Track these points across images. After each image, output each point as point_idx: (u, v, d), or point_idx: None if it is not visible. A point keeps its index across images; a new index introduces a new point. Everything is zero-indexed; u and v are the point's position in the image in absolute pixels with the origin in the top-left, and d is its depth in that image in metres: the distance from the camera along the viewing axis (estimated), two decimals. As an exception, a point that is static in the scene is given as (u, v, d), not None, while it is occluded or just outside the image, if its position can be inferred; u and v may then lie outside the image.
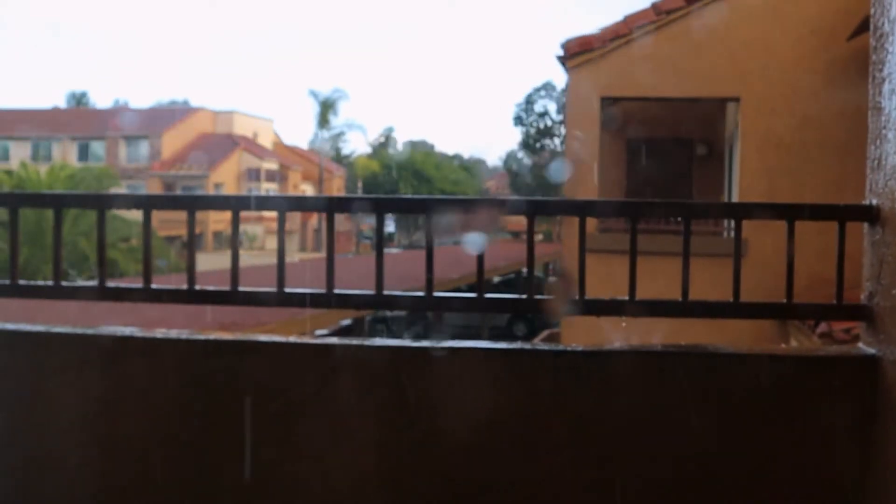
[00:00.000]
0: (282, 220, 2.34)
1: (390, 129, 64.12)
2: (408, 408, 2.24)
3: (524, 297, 2.33)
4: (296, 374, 2.27)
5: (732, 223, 2.44)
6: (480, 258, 2.34)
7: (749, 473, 2.19)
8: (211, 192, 46.02)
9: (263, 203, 2.36)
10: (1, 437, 2.33)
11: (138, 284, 2.39)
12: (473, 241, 2.33)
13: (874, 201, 2.20)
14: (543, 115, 46.78)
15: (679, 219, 2.36)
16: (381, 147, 59.57)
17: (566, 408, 2.22)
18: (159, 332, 2.32)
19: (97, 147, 48.83)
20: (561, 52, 9.84)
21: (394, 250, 34.61)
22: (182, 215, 2.38)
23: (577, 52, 9.68)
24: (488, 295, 2.33)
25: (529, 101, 46.93)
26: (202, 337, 2.30)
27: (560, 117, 45.15)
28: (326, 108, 51.14)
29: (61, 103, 61.53)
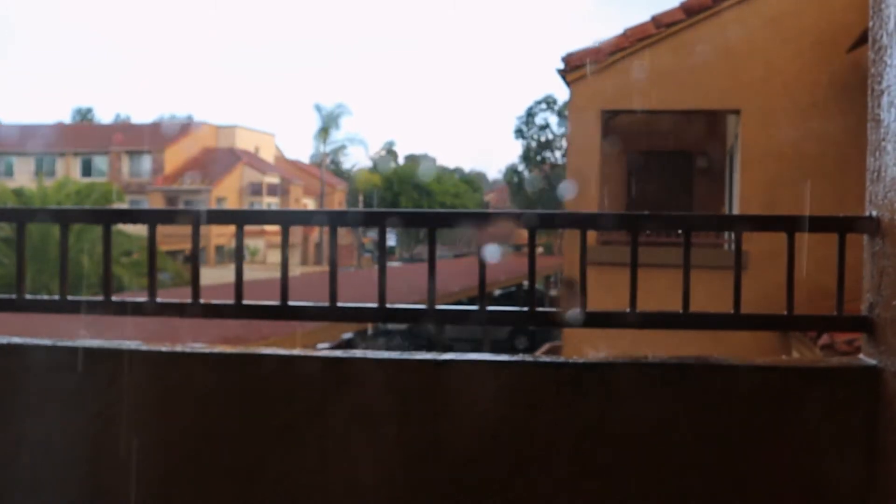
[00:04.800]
0: (285, 236, 2.36)
1: (391, 143, 64.39)
2: (410, 421, 2.25)
3: (525, 309, 2.34)
4: (299, 388, 2.28)
5: (733, 235, 2.46)
6: (482, 271, 2.35)
7: (750, 485, 2.20)
8: (213, 206, 46.14)
9: (266, 217, 2.37)
10: None
11: (143, 298, 2.40)
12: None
13: (874, 213, 2.22)
14: (544, 127, 46.89)
15: (679, 231, 2.37)
16: (382, 161, 59.72)
17: (567, 420, 2.23)
18: (163, 346, 2.33)
19: (100, 162, 49.00)
20: (562, 66, 9.89)
21: (395, 264, 34.63)
22: (185, 229, 2.40)
23: (577, 66, 9.73)
24: (490, 307, 2.34)
25: (530, 114, 47.05)
26: (206, 350, 2.32)
27: (561, 130, 45.26)
28: (328, 123, 51.28)
29: (66, 119, 61.83)
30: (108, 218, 2.46)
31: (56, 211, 2.52)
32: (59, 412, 2.32)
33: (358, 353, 2.30)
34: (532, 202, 44.26)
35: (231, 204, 47.93)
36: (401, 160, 60.47)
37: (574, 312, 2.33)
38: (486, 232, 2.33)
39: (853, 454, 2.18)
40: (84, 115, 63.05)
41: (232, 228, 2.38)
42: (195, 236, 2.37)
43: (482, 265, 2.34)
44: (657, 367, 2.23)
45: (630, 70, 9.50)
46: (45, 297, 2.47)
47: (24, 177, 43.32)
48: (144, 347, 2.33)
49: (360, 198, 52.92)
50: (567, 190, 10.89)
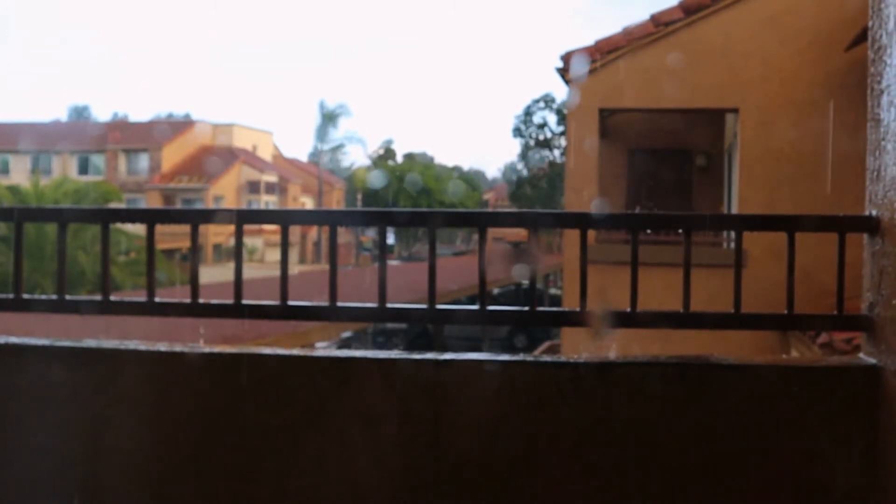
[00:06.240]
0: (285, 236, 2.35)
1: (389, 142, 64.38)
2: (410, 421, 2.24)
3: (526, 309, 2.33)
4: (299, 388, 2.27)
5: (733, 234, 2.45)
6: (482, 271, 2.35)
7: (751, 484, 2.20)
8: (210, 204, 46.08)
9: (265, 217, 2.36)
10: None
11: (141, 298, 2.39)
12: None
13: (874, 212, 2.22)
14: (543, 126, 46.92)
15: (679, 230, 2.37)
16: (381, 159, 59.68)
17: (568, 419, 2.23)
18: (162, 346, 2.33)
19: (97, 160, 48.91)
20: (561, 65, 9.89)
21: (393, 262, 34.57)
22: (182, 228, 2.39)
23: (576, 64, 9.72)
24: (491, 307, 2.33)
25: (529, 113, 47.05)
26: (206, 350, 2.31)
27: (559, 129, 45.26)
28: (327, 122, 51.24)
29: (63, 116, 61.77)
30: (106, 217, 2.45)
31: (55, 210, 2.51)
32: (58, 412, 2.32)
33: (358, 352, 2.30)
34: (531, 200, 44.27)
35: (229, 202, 47.89)
36: (399, 159, 60.40)
37: (574, 312, 2.33)
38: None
39: (853, 453, 2.18)
40: (81, 113, 63.00)
41: (230, 227, 2.37)
42: (194, 236, 2.36)
43: (482, 265, 2.34)
44: (657, 367, 2.23)
45: (629, 69, 9.49)
46: (43, 296, 2.46)
47: (20, 175, 43.20)
48: (143, 347, 2.33)
49: (359, 196, 52.86)
50: (566, 188, 10.88)
